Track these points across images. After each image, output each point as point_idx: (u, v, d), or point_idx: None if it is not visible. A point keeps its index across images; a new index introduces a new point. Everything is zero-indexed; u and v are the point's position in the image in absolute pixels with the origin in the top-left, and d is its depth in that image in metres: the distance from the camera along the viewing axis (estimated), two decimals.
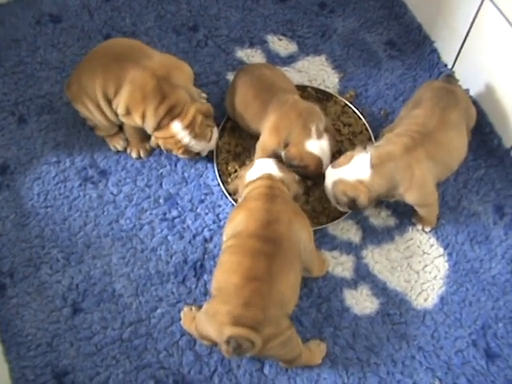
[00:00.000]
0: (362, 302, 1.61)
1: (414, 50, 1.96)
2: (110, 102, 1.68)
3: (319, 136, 1.64)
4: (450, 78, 1.71)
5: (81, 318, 1.60)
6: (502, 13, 1.58)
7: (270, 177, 1.54)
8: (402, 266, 1.65)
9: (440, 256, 1.66)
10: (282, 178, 1.55)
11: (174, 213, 1.73)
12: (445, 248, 1.67)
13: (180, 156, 1.74)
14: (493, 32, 1.65)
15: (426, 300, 1.60)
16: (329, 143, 1.66)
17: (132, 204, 1.75)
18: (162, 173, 1.79)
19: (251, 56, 1.97)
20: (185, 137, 1.66)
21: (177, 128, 1.65)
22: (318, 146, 1.63)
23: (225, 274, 1.41)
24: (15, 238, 1.71)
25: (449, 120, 1.60)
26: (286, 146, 1.66)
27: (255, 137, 1.73)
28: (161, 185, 1.77)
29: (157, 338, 1.58)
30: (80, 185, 1.78)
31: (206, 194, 1.76)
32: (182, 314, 1.59)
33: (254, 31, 2.02)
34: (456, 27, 1.78)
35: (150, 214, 1.74)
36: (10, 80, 1.94)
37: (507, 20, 1.57)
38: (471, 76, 1.77)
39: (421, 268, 1.65)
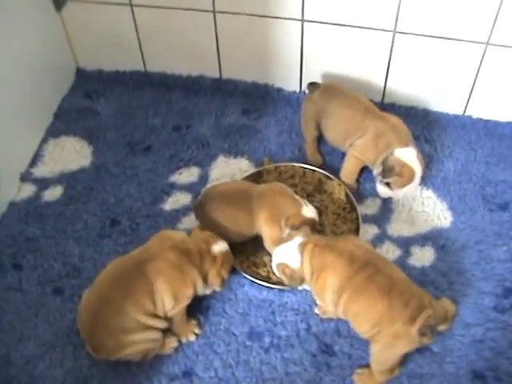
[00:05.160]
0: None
1: (265, 103, 2.36)
2: (153, 315, 1.69)
3: (306, 203, 1.88)
4: (311, 84, 2.13)
5: None
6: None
7: (304, 243, 1.72)
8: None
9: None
10: (307, 235, 1.76)
11: (268, 340, 1.81)
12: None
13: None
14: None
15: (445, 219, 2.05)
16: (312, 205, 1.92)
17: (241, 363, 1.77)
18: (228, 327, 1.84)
19: (177, 200, 2.12)
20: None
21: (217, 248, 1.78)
22: (310, 211, 1.86)
23: (369, 314, 1.61)
24: None
25: (357, 95, 2.08)
26: (286, 222, 1.85)
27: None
28: (235, 335, 1.82)
29: None
30: None
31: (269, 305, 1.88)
32: (357, 382, 1.73)
33: (157, 186, 2.15)
34: (289, 61, 2.25)
35: (254, 355, 1.78)
36: None
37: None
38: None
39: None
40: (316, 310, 1.86)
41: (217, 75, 2.38)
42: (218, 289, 1.83)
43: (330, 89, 2.11)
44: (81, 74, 2.50)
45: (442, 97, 2.21)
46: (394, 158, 1.95)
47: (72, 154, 2.25)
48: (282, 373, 1.76)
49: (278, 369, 1.77)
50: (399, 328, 1.57)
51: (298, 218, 1.83)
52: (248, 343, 1.82)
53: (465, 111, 2.23)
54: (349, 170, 2.09)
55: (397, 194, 2.02)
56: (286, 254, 1.75)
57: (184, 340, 1.83)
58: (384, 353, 1.64)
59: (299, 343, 1.81)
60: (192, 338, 1.83)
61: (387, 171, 1.96)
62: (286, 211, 1.85)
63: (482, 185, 2.12)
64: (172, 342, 1.81)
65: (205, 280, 1.78)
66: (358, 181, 2.13)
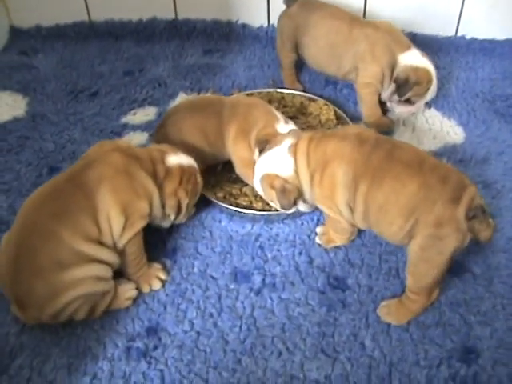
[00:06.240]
0: None
1: (229, 42, 2.07)
2: (97, 241, 1.23)
3: (286, 121, 1.51)
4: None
5: None
6: None
7: (295, 144, 1.34)
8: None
9: None
10: (298, 135, 1.38)
11: (258, 279, 1.37)
12: None
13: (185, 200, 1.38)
14: None
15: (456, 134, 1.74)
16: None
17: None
18: (203, 270, 1.40)
19: (131, 140, 1.72)
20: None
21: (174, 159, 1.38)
22: (290, 128, 1.48)
23: (400, 201, 1.22)
24: None
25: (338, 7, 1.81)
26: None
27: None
28: (214, 279, 1.39)
29: None
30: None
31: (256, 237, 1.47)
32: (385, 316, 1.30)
33: (106, 128, 1.77)
34: None
35: (242, 299, 1.34)
36: None
37: None
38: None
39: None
40: (317, 240, 1.46)
41: (172, 16, 2.08)
42: (172, 216, 1.39)
43: (309, 1, 1.83)
44: (16, 32, 2.18)
45: (429, 17, 1.95)
46: (404, 67, 1.67)
47: (1, 107, 1.86)
48: (283, 317, 1.32)
49: (276, 313, 1.32)
50: (441, 211, 1.17)
51: (269, 133, 1.45)
52: (232, 286, 1.38)
53: (457, 32, 1.97)
54: (369, 106, 1.76)
55: (420, 106, 1.74)
56: (274, 161, 1.36)
57: (146, 289, 1.37)
58: (427, 252, 1.21)
59: (301, 280, 1.39)
60: (157, 285, 1.37)
61: (403, 86, 1.68)
62: (259, 126, 1.48)
63: (491, 100, 1.84)
64: (129, 291, 1.35)
65: (162, 198, 1.36)
66: (385, 114, 1.79)
